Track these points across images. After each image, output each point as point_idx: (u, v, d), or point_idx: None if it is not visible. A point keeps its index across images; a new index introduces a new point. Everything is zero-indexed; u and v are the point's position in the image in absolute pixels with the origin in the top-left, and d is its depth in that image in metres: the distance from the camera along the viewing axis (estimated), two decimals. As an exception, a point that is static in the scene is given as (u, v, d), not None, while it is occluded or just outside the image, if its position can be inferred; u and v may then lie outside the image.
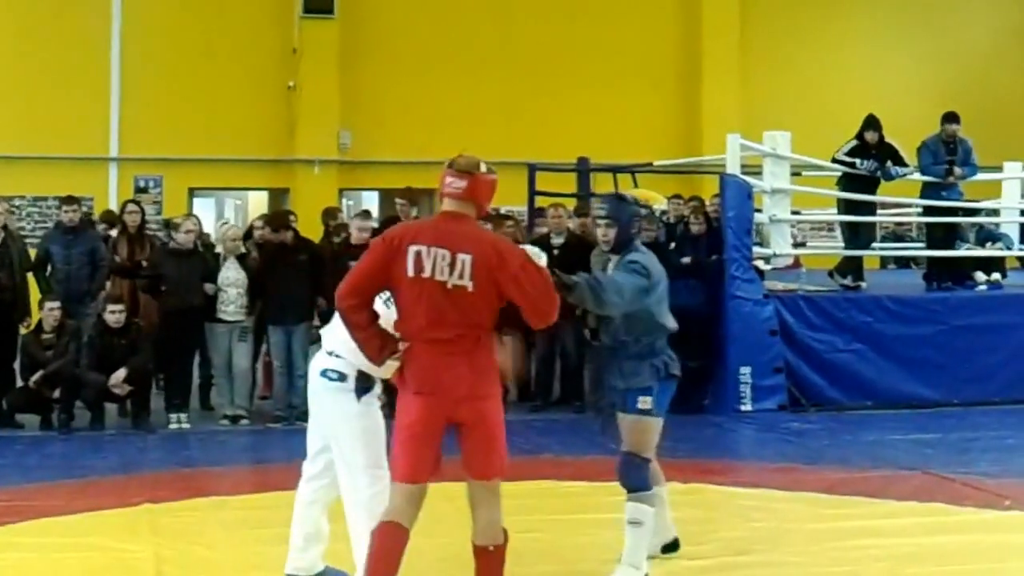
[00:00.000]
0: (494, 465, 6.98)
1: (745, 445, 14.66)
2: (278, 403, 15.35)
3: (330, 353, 7.73)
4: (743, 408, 15.63)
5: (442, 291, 6.78)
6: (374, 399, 7.75)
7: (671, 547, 8.89)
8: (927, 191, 17.85)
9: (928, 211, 18.09)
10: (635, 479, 8.26)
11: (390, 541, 6.85)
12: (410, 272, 6.81)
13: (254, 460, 13.52)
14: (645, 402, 8.22)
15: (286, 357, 14.95)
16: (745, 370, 15.69)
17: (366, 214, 16.10)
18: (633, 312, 8.12)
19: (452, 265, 6.78)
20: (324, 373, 7.72)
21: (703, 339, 15.58)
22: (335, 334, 7.63)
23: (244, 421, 14.98)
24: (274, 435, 14.50)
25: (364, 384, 7.62)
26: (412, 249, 6.82)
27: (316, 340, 14.63)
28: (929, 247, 18.43)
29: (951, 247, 17.90)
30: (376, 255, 6.97)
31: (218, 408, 15.42)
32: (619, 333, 8.25)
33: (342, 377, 7.64)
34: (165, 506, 9.98)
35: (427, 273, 6.79)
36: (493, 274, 6.78)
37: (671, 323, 8.41)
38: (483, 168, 7.06)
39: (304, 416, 14.55)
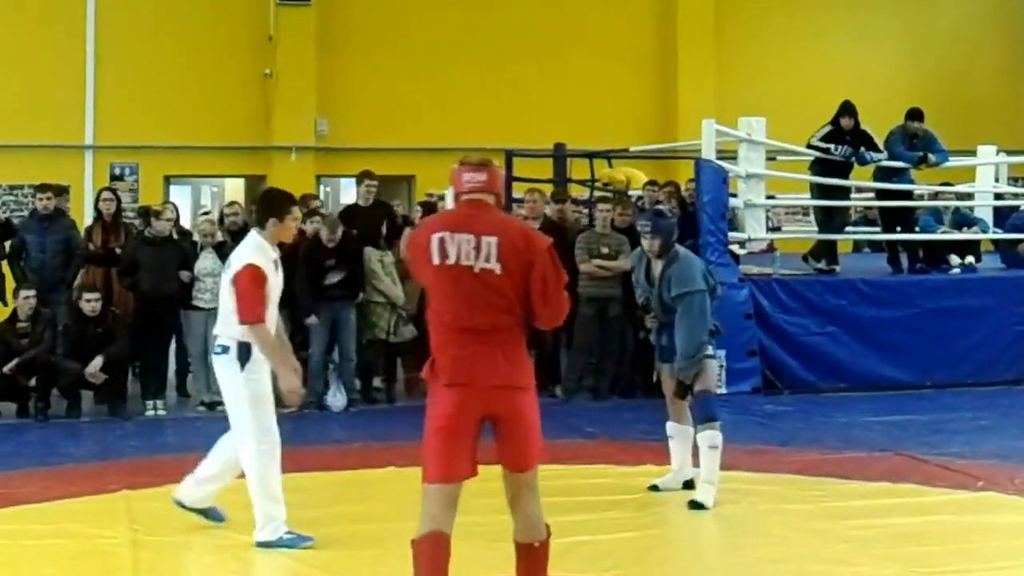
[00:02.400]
0: (532, 456, 6.72)
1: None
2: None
3: (218, 334, 8.87)
4: (718, 391, 15.59)
5: (471, 276, 6.60)
6: (260, 368, 8.66)
7: (690, 484, 10.29)
8: (880, 178, 17.88)
9: (885, 196, 18.12)
10: (713, 410, 10.07)
11: (433, 552, 6.53)
12: (435, 260, 6.65)
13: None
14: (707, 348, 10.03)
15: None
16: (720, 353, 15.64)
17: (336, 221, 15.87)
18: None
19: (477, 248, 6.61)
20: (214, 350, 8.95)
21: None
22: (220, 317, 8.87)
23: (221, 408, 14.91)
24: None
25: (245, 354, 8.61)
26: (435, 237, 6.68)
27: (292, 330, 14.88)
28: (884, 231, 18.45)
29: (909, 230, 17.92)
30: (411, 256, 7.02)
31: (195, 395, 15.42)
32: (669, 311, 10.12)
33: (225, 349, 8.76)
34: (142, 493, 9.99)
35: (452, 259, 6.62)
36: (521, 257, 6.62)
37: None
38: (494, 162, 7.02)
39: (282, 402, 14.73)
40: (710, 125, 16.90)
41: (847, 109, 17.18)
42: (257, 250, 8.82)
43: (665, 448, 10.59)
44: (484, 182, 6.79)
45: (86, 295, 14.53)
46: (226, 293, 8.82)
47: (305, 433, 13.30)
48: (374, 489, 10.49)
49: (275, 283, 8.86)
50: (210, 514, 9.23)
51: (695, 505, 9.74)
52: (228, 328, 8.77)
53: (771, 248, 18.80)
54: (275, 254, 8.93)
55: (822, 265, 17.47)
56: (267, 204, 9.12)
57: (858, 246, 23.92)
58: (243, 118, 25.57)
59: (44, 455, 12.45)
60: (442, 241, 6.64)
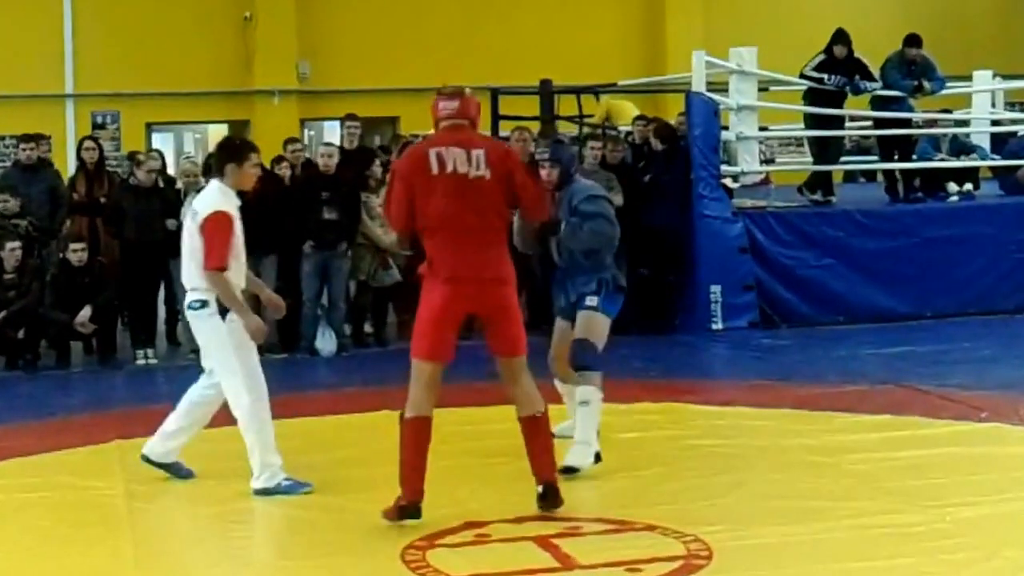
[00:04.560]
0: (521, 341, 8.01)
1: (717, 364, 14.74)
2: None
3: (192, 289, 8.83)
4: (714, 327, 15.67)
5: (467, 182, 7.77)
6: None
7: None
8: (877, 107, 17.83)
9: (882, 124, 18.07)
10: (582, 357, 9.13)
11: (418, 435, 7.77)
12: (434, 170, 7.76)
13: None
14: (592, 300, 9.22)
15: (254, 289, 14.95)
16: (715, 289, 15.71)
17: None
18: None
19: (469, 159, 7.78)
20: (190, 306, 8.87)
21: (673, 258, 15.69)
22: (189, 270, 8.85)
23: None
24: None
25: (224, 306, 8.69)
26: (432, 151, 7.81)
27: (282, 273, 14.88)
28: (882, 160, 18.42)
29: (907, 159, 17.89)
30: (403, 176, 7.96)
31: (185, 343, 15.34)
32: (574, 255, 9.23)
33: (204, 304, 8.76)
34: (135, 442, 9.94)
35: (450, 168, 7.76)
36: (505, 163, 7.93)
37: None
38: (468, 91, 8.12)
39: (274, 347, 14.76)
40: (700, 56, 16.81)
41: (840, 37, 17.10)
42: (223, 196, 8.86)
43: (655, 385, 10.56)
44: (457, 108, 7.94)
45: (72, 245, 14.50)
46: (193, 242, 8.82)
47: (296, 379, 13.33)
48: (367, 433, 10.47)
49: (239, 231, 8.89)
50: (174, 469, 9.21)
51: (567, 470, 8.72)
52: (203, 281, 8.77)
53: (765, 181, 18.80)
54: (237, 202, 8.95)
55: (817, 196, 17.43)
56: (225, 150, 9.20)
57: (852, 176, 23.91)
58: (224, 63, 25.55)
59: (35, 408, 12.44)
60: (439, 155, 7.79)
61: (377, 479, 8.47)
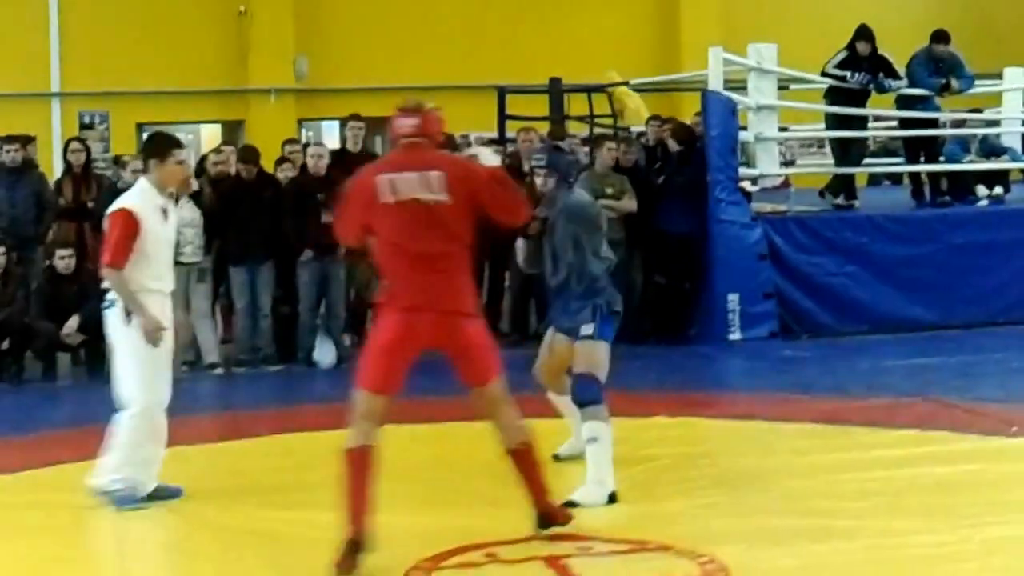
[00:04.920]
0: (490, 368, 7.78)
1: (735, 376, 14.77)
2: (240, 347, 15.34)
3: (104, 287, 9.05)
4: (732, 337, 15.69)
5: (423, 208, 7.54)
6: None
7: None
8: (903, 106, 17.84)
9: (907, 125, 18.08)
10: (585, 392, 8.96)
11: (361, 465, 7.55)
12: (387, 198, 7.56)
13: (218, 407, 13.57)
14: (588, 328, 9.03)
15: (250, 297, 15.04)
16: (733, 297, 15.73)
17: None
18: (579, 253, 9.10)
19: (426, 183, 7.54)
20: (102, 304, 9.08)
21: (688, 265, 15.72)
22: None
23: (218, 369, 14.98)
24: (238, 380, 14.63)
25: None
26: (382, 178, 7.61)
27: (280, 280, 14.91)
28: (908, 162, 18.43)
29: (934, 161, 17.91)
30: (354, 198, 7.80)
31: (177, 354, 15.37)
32: (567, 276, 9.11)
33: (112, 304, 8.93)
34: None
35: (404, 195, 7.55)
36: (465, 184, 7.63)
37: (611, 255, 9.33)
38: (429, 106, 7.88)
39: (269, 359, 14.75)
40: (717, 53, 16.83)
41: (863, 33, 17.14)
42: (139, 195, 9.08)
43: (670, 399, 10.55)
44: (416, 126, 7.74)
45: (59, 252, 14.54)
46: None
47: (293, 391, 13.38)
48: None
49: (159, 233, 9.06)
50: (160, 494, 9.19)
51: (570, 504, 8.51)
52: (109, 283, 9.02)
53: (785, 184, 18.80)
54: (161, 201, 9.11)
55: (840, 200, 17.47)
56: (149, 146, 9.46)
57: (876, 179, 23.92)
58: (218, 60, 25.58)
59: (19, 421, 12.48)
60: (391, 181, 7.60)
61: (378, 498, 8.48)
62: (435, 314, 7.59)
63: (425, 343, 7.65)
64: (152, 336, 8.87)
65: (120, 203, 9.06)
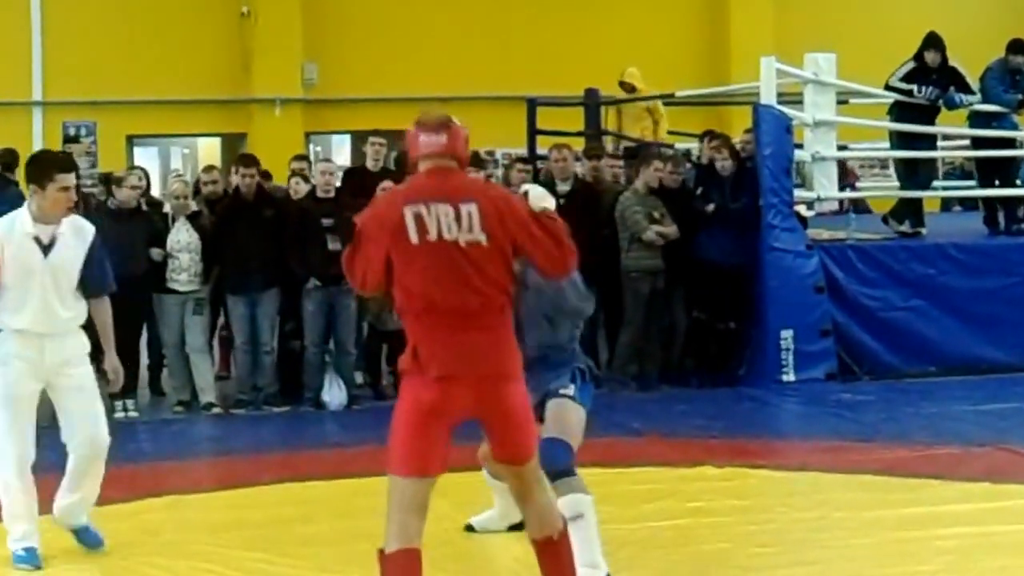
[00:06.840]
0: (530, 446, 7.10)
1: (788, 421, 14.78)
2: (240, 385, 15.37)
3: None
4: (785, 378, 15.70)
5: (458, 251, 6.83)
6: (14, 362, 8.95)
7: (518, 527, 8.80)
8: (976, 122, 17.85)
9: (980, 144, 18.08)
10: (558, 459, 8.23)
11: (405, 574, 6.86)
12: (414, 239, 6.82)
13: (215, 451, 13.56)
14: (568, 389, 8.58)
15: (250, 331, 15.00)
16: (787, 334, 15.73)
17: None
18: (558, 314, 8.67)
19: (458, 219, 6.81)
20: None
21: (737, 299, 15.73)
22: None
23: (216, 410, 14.99)
24: (237, 422, 14.64)
25: None
26: (408, 211, 6.84)
27: (282, 311, 14.94)
28: (981, 186, 18.45)
29: (1010, 184, 17.91)
30: (372, 235, 6.99)
31: (170, 393, 15.42)
32: (543, 340, 8.60)
33: None
34: (113, 509, 10.02)
35: (433, 235, 6.81)
36: (505, 222, 6.87)
37: (588, 308, 8.92)
38: (456, 121, 7.14)
39: (272, 399, 14.77)
40: (770, 64, 16.87)
41: (932, 42, 17.16)
42: (7, 222, 8.88)
43: (717, 446, 10.56)
44: (443, 144, 7.00)
45: (42, 279, 14.56)
46: None
47: (300, 435, 13.41)
48: (382, 500, 10.46)
49: (31, 266, 8.85)
50: (80, 536, 9.38)
51: None
52: None
53: (845, 208, 18.80)
54: (35, 231, 8.86)
55: (905, 227, 17.48)
56: (28, 169, 9.10)
57: (947, 204, 23.91)
58: (218, 66, 25.64)
59: None
60: (419, 217, 6.81)
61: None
62: (475, 379, 6.88)
63: (464, 414, 6.96)
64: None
65: None
